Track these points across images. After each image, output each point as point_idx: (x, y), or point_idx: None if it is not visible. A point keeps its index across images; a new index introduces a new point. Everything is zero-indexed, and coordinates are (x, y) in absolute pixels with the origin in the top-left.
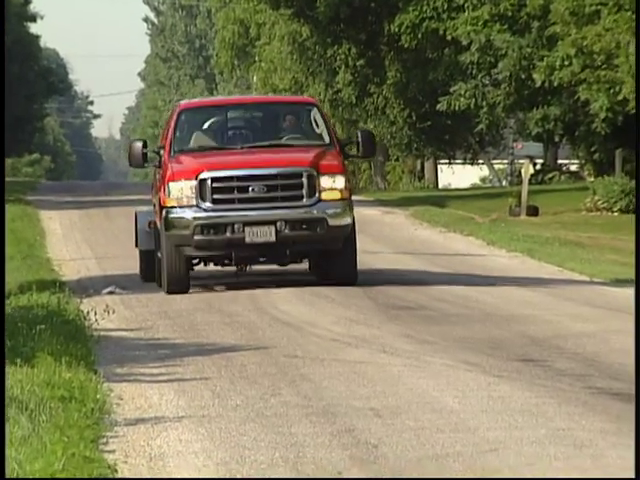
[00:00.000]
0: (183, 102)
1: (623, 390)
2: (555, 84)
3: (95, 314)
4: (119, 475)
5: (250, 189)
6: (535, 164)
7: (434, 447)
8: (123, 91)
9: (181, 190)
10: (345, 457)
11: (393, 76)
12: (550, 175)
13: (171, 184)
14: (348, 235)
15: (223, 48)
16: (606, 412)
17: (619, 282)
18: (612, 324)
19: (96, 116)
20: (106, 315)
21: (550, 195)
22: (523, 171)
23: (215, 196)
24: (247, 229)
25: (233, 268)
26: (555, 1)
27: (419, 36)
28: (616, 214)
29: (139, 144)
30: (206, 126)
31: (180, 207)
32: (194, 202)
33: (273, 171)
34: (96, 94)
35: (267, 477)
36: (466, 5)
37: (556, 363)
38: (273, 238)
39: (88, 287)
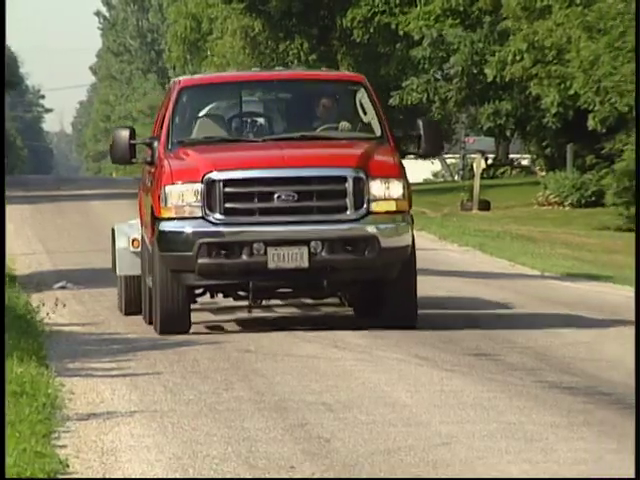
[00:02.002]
0: (184, 78)
1: (573, 384)
2: (507, 79)
3: (46, 309)
4: (70, 470)
5: (275, 197)
6: (487, 158)
7: (386, 441)
8: (75, 85)
9: (181, 196)
10: (297, 451)
11: (345, 70)
12: (502, 170)
13: (168, 188)
14: (406, 260)
15: (175, 42)
16: (557, 406)
17: (570, 276)
18: (563, 318)
19: (47, 110)
20: (57, 310)
21: (502, 189)
22: (475, 165)
23: (228, 205)
24: (270, 250)
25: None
26: None
27: (371, 31)
28: (567, 208)
29: (125, 133)
30: (215, 110)
31: (180, 219)
32: (199, 213)
33: (307, 173)
34: (47, 88)
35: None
36: (418, 0)
37: (507, 357)
38: (305, 263)
39: (39, 282)
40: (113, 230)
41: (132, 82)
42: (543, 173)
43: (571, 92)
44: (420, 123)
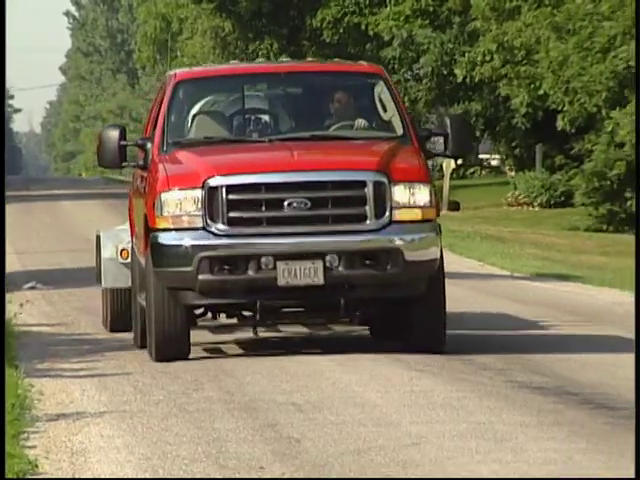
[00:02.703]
0: (180, 71)
1: (543, 384)
2: (476, 79)
3: (17, 309)
4: (39, 470)
5: (286, 204)
6: (456, 159)
7: (356, 441)
8: (44, 85)
9: (179, 204)
10: (267, 452)
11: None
12: (471, 170)
13: (164, 195)
14: (434, 275)
15: (145, 43)
16: (526, 406)
17: (540, 276)
18: (533, 318)
19: (17, 110)
20: (27, 310)
21: (471, 190)
22: (444, 166)
23: (232, 214)
24: (280, 265)
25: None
26: None
27: (341, 31)
28: (537, 209)
29: (114, 133)
30: (215, 107)
31: (177, 230)
32: (199, 223)
33: (321, 177)
34: (17, 88)
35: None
36: (388, 0)
37: (477, 358)
38: (320, 279)
39: (9, 282)
40: (98, 237)
41: (102, 82)
42: (512, 173)
43: (540, 92)
44: (447, 120)
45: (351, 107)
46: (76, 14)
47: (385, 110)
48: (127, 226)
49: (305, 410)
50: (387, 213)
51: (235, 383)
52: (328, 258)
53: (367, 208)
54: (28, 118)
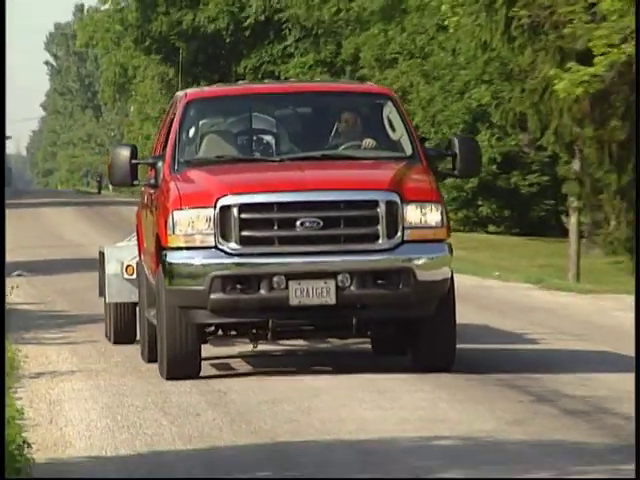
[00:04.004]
0: (191, 90)
1: None
2: None
3: (8, 291)
4: (25, 416)
5: (298, 224)
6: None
7: (271, 393)
8: (28, 118)
9: (191, 223)
10: (202, 401)
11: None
12: None
13: (176, 213)
14: (444, 296)
15: (107, 85)
16: (403, 365)
17: None
18: None
19: (7, 137)
20: (15, 292)
21: None
22: None
23: (244, 233)
24: (293, 285)
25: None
26: (363, 50)
27: (259, 76)
28: None
29: (126, 152)
30: (226, 126)
31: (189, 249)
32: (211, 242)
33: (333, 197)
34: (7, 120)
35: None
36: (295, 52)
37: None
38: (332, 299)
39: None
40: (102, 253)
41: (73, 115)
42: None
43: (413, 124)
44: (455, 140)
45: (359, 127)
46: (54, 63)
47: (394, 130)
48: (126, 242)
49: (232, 369)
50: (399, 233)
51: None
52: (340, 278)
53: (379, 228)
54: (16, 144)
